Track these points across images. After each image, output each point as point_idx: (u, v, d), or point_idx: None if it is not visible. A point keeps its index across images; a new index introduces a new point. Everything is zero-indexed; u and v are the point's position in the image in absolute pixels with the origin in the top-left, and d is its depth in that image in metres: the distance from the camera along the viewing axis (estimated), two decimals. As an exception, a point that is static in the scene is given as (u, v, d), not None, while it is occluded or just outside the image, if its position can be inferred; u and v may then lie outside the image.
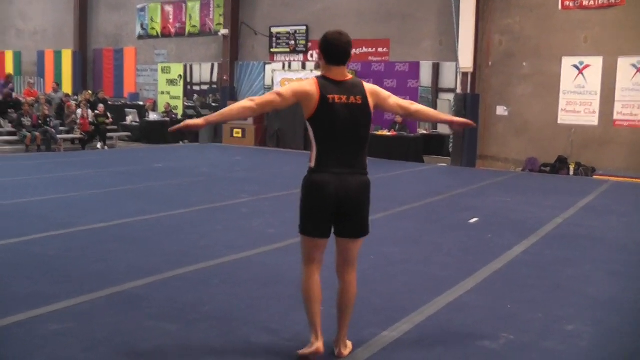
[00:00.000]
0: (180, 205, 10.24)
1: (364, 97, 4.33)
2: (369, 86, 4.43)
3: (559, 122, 17.06)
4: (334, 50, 4.32)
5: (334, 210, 4.28)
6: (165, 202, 10.58)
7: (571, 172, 16.46)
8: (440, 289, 6.02)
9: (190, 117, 24.25)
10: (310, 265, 4.41)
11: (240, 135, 22.52)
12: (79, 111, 20.90)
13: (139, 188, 12.10)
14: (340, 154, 4.29)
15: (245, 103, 4.32)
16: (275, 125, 21.80)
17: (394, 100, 4.56)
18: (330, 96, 4.24)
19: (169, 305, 5.35)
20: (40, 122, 19.65)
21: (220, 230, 8.54)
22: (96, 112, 21.03)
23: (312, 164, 4.33)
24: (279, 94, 4.33)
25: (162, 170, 14.95)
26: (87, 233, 8.07)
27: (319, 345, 4.31)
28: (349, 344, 4.53)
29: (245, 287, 5.97)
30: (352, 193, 4.28)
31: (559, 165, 16.70)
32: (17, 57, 31.85)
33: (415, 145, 18.79)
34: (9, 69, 31.18)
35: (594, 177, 15.99)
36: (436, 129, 19.59)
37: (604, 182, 14.80)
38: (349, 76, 4.40)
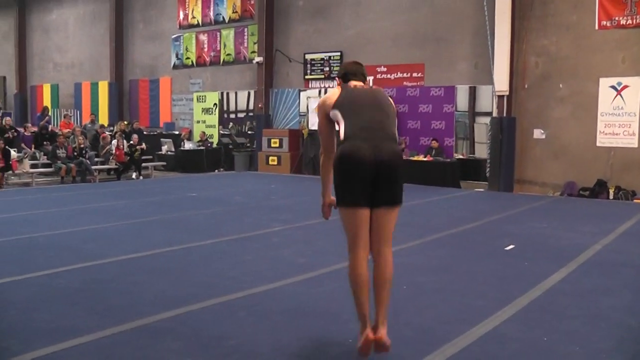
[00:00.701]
0: (211, 234, 10.17)
1: (386, 95, 4.74)
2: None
3: (598, 144, 16.69)
4: (350, 69, 4.89)
5: (370, 175, 4.29)
6: (197, 231, 10.52)
7: (611, 196, 16.04)
8: (475, 320, 5.82)
9: (226, 145, 24.28)
10: (355, 250, 4.41)
11: (275, 162, 22.49)
12: (114, 142, 21.10)
13: (172, 218, 12.07)
14: (368, 125, 4.41)
15: (322, 160, 4.76)
16: (311, 152, 21.76)
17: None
18: (352, 83, 4.75)
19: (194, 339, 5.24)
20: (75, 153, 19.81)
21: (250, 260, 8.41)
22: (130, 142, 21.17)
23: (342, 137, 4.41)
24: (319, 127, 4.75)
25: (196, 199, 14.93)
26: (115, 264, 8.02)
27: (367, 332, 4.34)
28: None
29: (273, 319, 5.83)
30: (386, 156, 4.34)
31: (598, 189, 16.29)
32: (55, 89, 32.45)
33: (451, 170, 18.55)
34: (47, 101, 31.77)
35: (635, 201, 15.57)
36: (473, 153, 19.33)
37: (645, 206, 14.42)
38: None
